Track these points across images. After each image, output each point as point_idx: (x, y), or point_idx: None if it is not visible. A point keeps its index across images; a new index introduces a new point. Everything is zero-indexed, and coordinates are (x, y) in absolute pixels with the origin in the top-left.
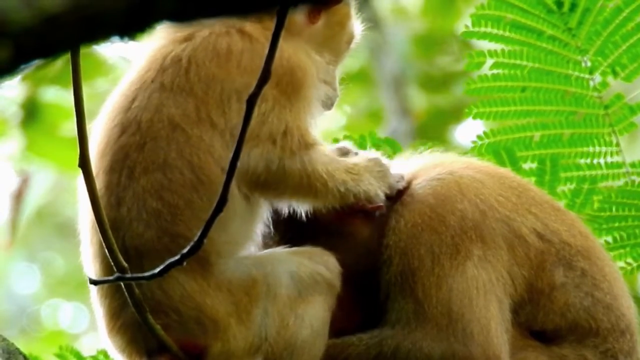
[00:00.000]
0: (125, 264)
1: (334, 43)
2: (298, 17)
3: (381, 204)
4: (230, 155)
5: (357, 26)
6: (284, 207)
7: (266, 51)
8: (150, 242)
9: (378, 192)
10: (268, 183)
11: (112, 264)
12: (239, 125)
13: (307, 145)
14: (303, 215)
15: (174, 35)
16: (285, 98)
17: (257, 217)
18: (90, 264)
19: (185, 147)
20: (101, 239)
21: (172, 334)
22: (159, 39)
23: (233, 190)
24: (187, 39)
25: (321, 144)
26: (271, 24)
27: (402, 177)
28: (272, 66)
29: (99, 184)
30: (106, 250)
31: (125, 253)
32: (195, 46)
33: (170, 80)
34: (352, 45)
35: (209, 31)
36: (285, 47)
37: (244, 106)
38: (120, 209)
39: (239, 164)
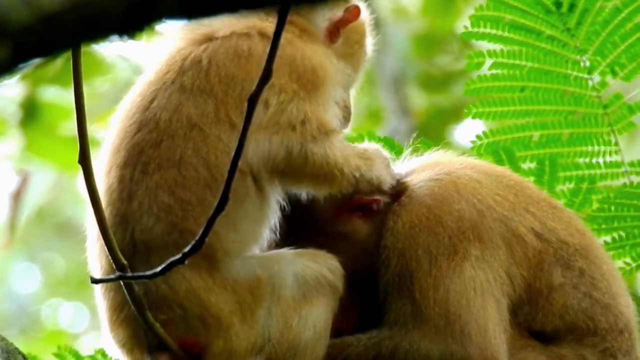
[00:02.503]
0: (125, 262)
1: (353, 61)
2: (319, 36)
3: (378, 197)
4: (233, 152)
5: (370, 44)
6: (302, 194)
7: (282, 52)
8: (159, 236)
9: (387, 178)
10: (288, 169)
11: (112, 262)
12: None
13: (327, 132)
14: (303, 215)
15: (192, 36)
16: (305, 92)
17: (268, 218)
18: (95, 261)
19: (202, 146)
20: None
21: (174, 330)
22: (177, 40)
23: (248, 190)
24: (207, 39)
25: (339, 131)
26: (291, 27)
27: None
28: (294, 65)
29: (112, 178)
30: (106, 248)
31: (133, 247)
32: (215, 47)
33: (191, 81)
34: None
35: (230, 32)
36: (306, 48)
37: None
38: (132, 203)
39: (259, 151)
